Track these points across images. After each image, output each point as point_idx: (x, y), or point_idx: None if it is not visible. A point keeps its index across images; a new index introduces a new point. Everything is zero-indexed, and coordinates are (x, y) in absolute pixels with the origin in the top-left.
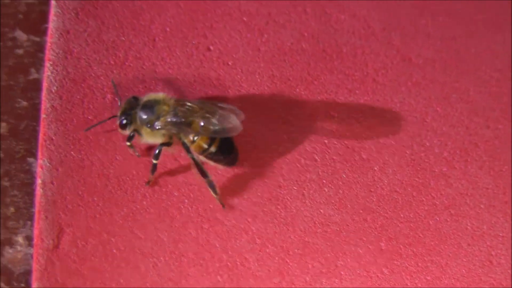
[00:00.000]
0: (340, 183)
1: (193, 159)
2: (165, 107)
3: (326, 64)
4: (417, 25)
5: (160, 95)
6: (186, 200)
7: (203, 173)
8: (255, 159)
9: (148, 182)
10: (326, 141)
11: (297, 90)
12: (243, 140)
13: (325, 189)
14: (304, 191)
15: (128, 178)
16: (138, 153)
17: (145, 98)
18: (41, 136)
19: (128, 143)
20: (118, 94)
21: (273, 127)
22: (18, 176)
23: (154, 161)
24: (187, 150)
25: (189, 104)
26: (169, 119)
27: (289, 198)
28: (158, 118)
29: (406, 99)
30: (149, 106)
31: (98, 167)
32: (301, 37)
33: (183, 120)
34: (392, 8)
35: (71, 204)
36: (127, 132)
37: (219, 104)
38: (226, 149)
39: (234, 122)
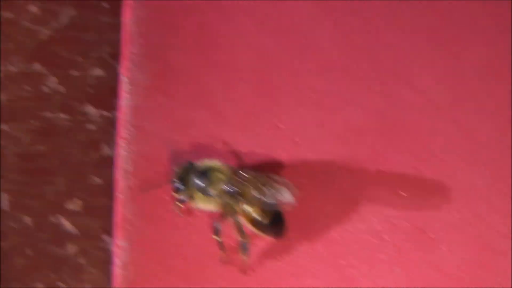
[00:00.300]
0: (410, 263)
1: (235, 220)
2: (220, 175)
3: (391, 142)
4: (482, 100)
5: (215, 162)
6: (260, 281)
7: (242, 235)
8: (325, 237)
9: (226, 261)
10: (395, 221)
11: (365, 168)
12: (312, 219)
13: (395, 269)
14: (374, 271)
15: (205, 258)
16: (182, 214)
17: (201, 164)
18: (117, 216)
19: (178, 204)
20: (174, 160)
21: (342, 206)
22: (94, 253)
23: (217, 239)
24: (232, 212)
25: (243, 173)
26: (223, 187)
27: (360, 278)
28: (212, 185)
29: (470, 177)
30: (204, 172)
31: (176, 247)
32: (368, 115)
33: (237, 189)
34: (456, 82)
35: (149, 285)
36: (181, 196)
37: (274, 177)
38: (277, 221)
39: (287, 195)
